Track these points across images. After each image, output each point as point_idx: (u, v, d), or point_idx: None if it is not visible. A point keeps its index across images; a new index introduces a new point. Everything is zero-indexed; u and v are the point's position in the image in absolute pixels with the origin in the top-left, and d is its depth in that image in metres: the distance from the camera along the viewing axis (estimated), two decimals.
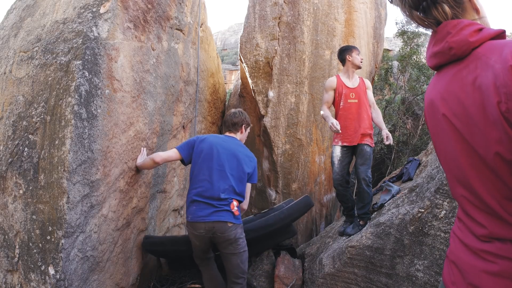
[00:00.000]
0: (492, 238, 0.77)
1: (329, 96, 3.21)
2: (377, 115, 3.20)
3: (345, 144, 3.10)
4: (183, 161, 2.56)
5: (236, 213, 2.41)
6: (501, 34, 0.78)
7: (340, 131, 2.88)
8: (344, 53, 3.18)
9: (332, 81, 3.22)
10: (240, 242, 2.40)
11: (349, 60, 3.15)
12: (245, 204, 2.59)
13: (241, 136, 2.68)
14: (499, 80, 0.67)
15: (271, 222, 2.99)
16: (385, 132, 2.98)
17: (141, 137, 2.77)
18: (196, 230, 2.36)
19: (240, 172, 2.48)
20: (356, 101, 3.11)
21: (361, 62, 3.18)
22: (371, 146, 3.07)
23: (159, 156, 2.54)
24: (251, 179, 2.61)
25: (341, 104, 3.14)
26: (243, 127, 2.67)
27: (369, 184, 2.99)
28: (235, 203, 2.42)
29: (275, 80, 4.42)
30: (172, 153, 2.55)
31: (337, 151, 3.13)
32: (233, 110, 2.72)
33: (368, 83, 3.27)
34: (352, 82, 3.18)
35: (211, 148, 2.46)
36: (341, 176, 3.13)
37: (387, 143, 2.95)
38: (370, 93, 3.26)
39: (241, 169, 2.48)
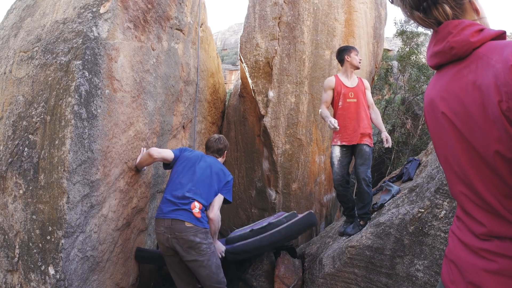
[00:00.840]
0: (491, 236, 0.77)
1: (327, 95, 3.21)
2: (376, 116, 3.20)
3: (344, 143, 3.09)
4: (168, 164, 2.68)
5: (197, 215, 2.35)
6: (501, 35, 0.79)
7: (338, 128, 2.86)
8: (342, 54, 3.18)
9: (330, 80, 3.22)
10: (203, 247, 2.31)
11: (348, 61, 3.15)
12: (211, 213, 2.49)
13: (222, 160, 2.83)
14: (500, 79, 0.67)
15: (265, 243, 2.86)
16: (385, 134, 2.99)
17: (141, 137, 2.77)
18: (158, 227, 2.38)
19: (211, 181, 2.54)
20: (355, 100, 3.11)
21: (360, 62, 3.17)
22: (370, 146, 3.07)
23: (155, 150, 2.61)
24: (223, 191, 2.60)
25: (339, 104, 3.14)
26: (225, 152, 2.85)
27: (369, 184, 2.99)
28: (196, 204, 2.38)
29: (275, 80, 4.42)
30: (167, 151, 2.66)
31: (337, 151, 3.12)
32: (216, 136, 2.84)
33: (366, 83, 3.26)
34: (351, 81, 3.18)
35: (193, 158, 2.60)
36: (341, 176, 3.12)
37: (386, 145, 2.95)
38: (368, 93, 3.25)
39: (214, 178, 2.56)
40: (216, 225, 2.52)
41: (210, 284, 2.35)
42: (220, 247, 2.74)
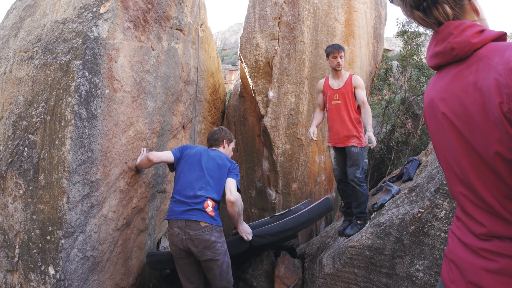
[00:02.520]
0: (491, 236, 0.77)
1: (319, 99, 3.35)
2: (365, 115, 3.04)
3: (329, 144, 3.23)
4: (172, 165, 2.64)
5: (211, 213, 2.32)
6: (502, 36, 0.79)
7: (315, 139, 3.12)
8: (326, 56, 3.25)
9: (320, 83, 3.34)
10: (218, 246, 2.29)
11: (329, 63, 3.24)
12: (231, 196, 2.39)
13: (224, 150, 2.75)
14: (501, 81, 0.67)
15: (291, 225, 2.83)
16: (369, 134, 2.92)
17: (141, 137, 2.77)
18: (171, 228, 2.34)
19: (220, 174, 2.50)
20: (339, 102, 3.11)
21: (339, 64, 3.09)
22: (359, 147, 3.04)
23: (154, 154, 2.59)
24: (231, 175, 2.52)
25: (327, 106, 3.25)
26: (224, 142, 2.77)
27: (360, 183, 2.98)
28: (210, 202, 2.34)
29: (275, 80, 4.42)
30: (167, 154, 2.63)
31: (332, 151, 3.24)
32: (215, 128, 2.85)
33: (357, 81, 3.11)
34: (338, 82, 3.16)
35: (196, 154, 2.56)
36: (340, 171, 3.21)
37: (369, 145, 2.92)
38: (360, 91, 3.08)
39: (221, 170, 2.51)
40: (239, 207, 2.43)
41: (220, 283, 2.34)
42: (247, 229, 2.64)
